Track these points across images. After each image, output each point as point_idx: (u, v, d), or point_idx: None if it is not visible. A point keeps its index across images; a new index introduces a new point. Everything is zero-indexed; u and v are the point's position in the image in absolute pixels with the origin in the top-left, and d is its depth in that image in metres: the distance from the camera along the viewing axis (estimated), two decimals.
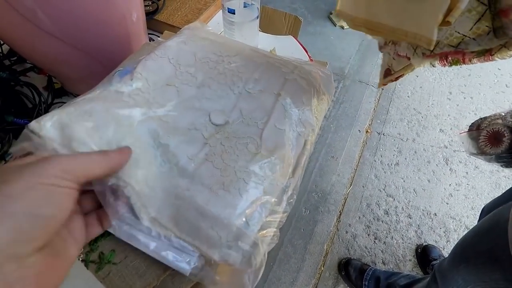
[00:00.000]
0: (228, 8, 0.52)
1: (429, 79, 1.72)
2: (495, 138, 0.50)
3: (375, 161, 1.40)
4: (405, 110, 1.58)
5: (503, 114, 0.51)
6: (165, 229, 0.25)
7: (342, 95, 1.60)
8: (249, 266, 0.24)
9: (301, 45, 0.63)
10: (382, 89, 1.66)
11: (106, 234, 0.26)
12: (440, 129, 1.51)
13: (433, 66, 0.32)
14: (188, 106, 0.32)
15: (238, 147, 0.30)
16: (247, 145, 0.30)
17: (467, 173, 1.37)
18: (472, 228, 0.56)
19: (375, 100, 1.61)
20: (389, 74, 0.41)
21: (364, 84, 1.65)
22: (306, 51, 0.62)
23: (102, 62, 0.50)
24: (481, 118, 0.54)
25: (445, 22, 0.26)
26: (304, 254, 1.15)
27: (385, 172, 1.37)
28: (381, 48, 0.39)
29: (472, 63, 0.28)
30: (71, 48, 0.45)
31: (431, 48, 0.28)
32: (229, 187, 0.27)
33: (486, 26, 0.26)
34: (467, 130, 0.56)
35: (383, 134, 1.49)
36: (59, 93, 0.54)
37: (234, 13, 0.52)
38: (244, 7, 0.53)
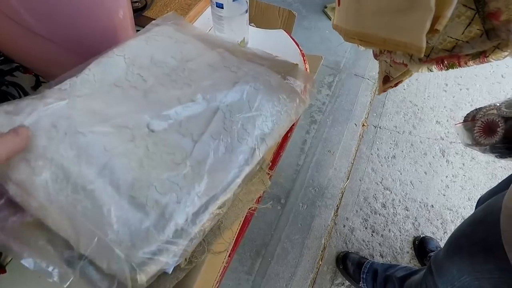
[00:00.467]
0: (216, 2, 0.51)
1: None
2: (489, 128, 0.50)
3: (371, 154, 1.40)
4: (401, 103, 1.58)
5: (497, 104, 0.50)
6: (53, 219, 0.24)
7: (338, 89, 1.59)
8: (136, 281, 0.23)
9: (292, 39, 0.62)
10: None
11: None
12: (437, 121, 1.51)
13: (431, 71, 0.32)
14: (129, 110, 0.31)
15: (162, 155, 0.28)
16: (174, 154, 0.28)
17: (463, 164, 1.37)
18: (466, 219, 0.56)
19: (371, 94, 1.60)
20: (388, 81, 0.40)
21: (360, 78, 1.64)
22: (298, 45, 0.61)
23: (86, 58, 0.49)
24: (476, 109, 0.54)
25: (434, 30, 0.26)
26: (302, 249, 1.15)
27: (382, 165, 1.37)
28: (376, 56, 0.39)
29: (468, 66, 0.28)
30: (57, 46, 0.44)
31: (421, 56, 0.28)
32: (137, 192, 0.25)
33: (478, 29, 0.26)
34: (462, 121, 0.56)
35: (380, 127, 1.49)
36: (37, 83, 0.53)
37: (222, 7, 0.51)
38: (233, 1, 0.52)
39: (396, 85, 0.38)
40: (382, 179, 1.33)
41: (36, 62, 0.48)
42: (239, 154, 0.30)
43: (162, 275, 0.25)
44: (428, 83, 1.65)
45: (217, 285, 0.37)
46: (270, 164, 0.45)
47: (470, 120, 0.52)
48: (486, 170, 1.36)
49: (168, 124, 0.31)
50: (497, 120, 0.47)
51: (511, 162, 1.22)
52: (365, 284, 1.03)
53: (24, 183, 0.25)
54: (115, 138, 0.28)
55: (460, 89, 1.63)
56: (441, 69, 0.31)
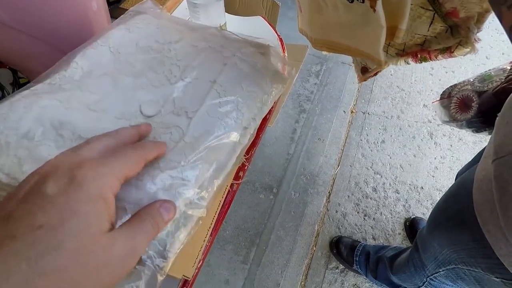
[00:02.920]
0: None
1: None
2: (464, 104, 0.51)
3: (361, 140, 1.41)
4: (389, 88, 1.59)
5: (471, 80, 0.52)
6: None
7: (326, 78, 1.60)
8: (166, 260, 0.24)
9: (270, 24, 0.62)
10: None
11: None
12: (424, 105, 1.52)
13: (408, 64, 0.33)
14: (122, 96, 0.32)
15: (161, 137, 0.29)
16: (171, 134, 0.29)
17: (451, 145, 1.40)
18: (443, 195, 0.57)
19: None
20: (366, 71, 0.41)
21: (347, 65, 1.65)
22: (275, 30, 0.62)
23: (66, 53, 0.49)
24: (451, 86, 0.55)
25: (395, 38, 0.27)
26: (295, 236, 1.17)
27: (371, 150, 1.38)
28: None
29: (438, 59, 0.30)
30: (30, 38, 0.44)
31: (382, 68, 0.30)
32: (142, 175, 0.26)
33: (441, 26, 0.27)
34: (439, 98, 0.57)
35: (368, 113, 1.50)
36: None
37: None
38: None
39: (375, 74, 0.40)
40: (372, 163, 1.35)
41: (10, 55, 0.48)
42: (233, 131, 0.31)
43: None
44: (414, 68, 1.67)
45: (199, 263, 0.38)
46: (248, 147, 0.46)
47: (446, 97, 0.53)
48: (473, 150, 1.38)
49: (162, 106, 0.31)
50: (471, 95, 0.48)
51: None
52: (358, 266, 1.05)
53: None
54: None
55: (446, 72, 1.65)
56: (416, 61, 0.32)
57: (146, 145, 0.26)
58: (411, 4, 0.25)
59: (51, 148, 0.27)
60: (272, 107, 0.51)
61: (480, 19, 0.25)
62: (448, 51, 0.29)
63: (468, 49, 0.28)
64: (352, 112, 1.51)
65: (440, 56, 0.30)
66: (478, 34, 0.26)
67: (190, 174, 0.27)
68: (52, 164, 0.20)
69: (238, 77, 0.35)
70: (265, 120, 0.50)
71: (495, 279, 0.41)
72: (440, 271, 0.55)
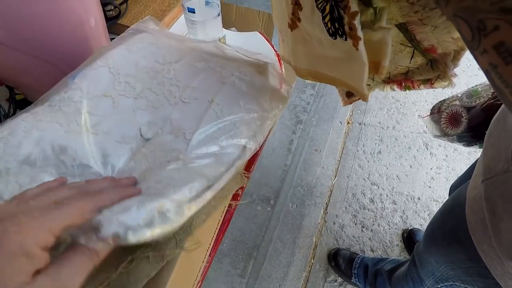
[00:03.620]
0: (188, 7, 0.52)
1: None
2: (454, 119, 0.52)
3: (357, 151, 1.42)
4: (384, 99, 1.61)
5: (459, 95, 0.53)
6: None
7: (322, 89, 1.62)
8: None
9: (267, 40, 0.63)
10: None
11: None
12: (419, 115, 1.54)
13: (393, 90, 0.35)
14: (121, 118, 0.32)
15: (159, 161, 0.29)
16: (169, 156, 0.29)
17: (446, 156, 1.41)
18: (439, 210, 0.58)
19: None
20: (352, 95, 0.42)
21: None
22: (273, 46, 0.63)
23: (63, 70, 0.49)
24: (440, 101, 0.56)
25: (379, 73, 0.28)
26: (293, 249, 1.16)
27: (368, 161, 1.39)
28: None
29: (421, 89, 0.31)
30: (26, 55, 0.44)
31: (366, 101, 0.31)
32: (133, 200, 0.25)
33: (421, 59, 0.29)
34: (429, 113, 0.57)
35: (364, 124, 1.51)
36: (22, 104, 0.53)
37: (194, 12, 0.52)
38: (205, 5, 0.53)
39: (359, 98, 0.40)
40: (369, 174, 1.35)
41: (6, 72, 0.48)
42: (231, 150, 0.31)
43: (133, 272, 0.25)
44: None
45: (198, 284, 0.38)
46: (248, 162, 0.46)
47: (436, 112, 0.54)
48: (468, 161, 1.39)
49: (160, 128, 0.31)
50: (460, 111, 0.49)
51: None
52: (357, 279, 1.04)
53: None
54: (118, 161, 0.29)
55: None
56: (401, 89, 0.33)
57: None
58: (392, 41, 0.26)
59: (52, 175, 0.27)
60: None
61: (456, 56, 0.26)
62: (429, 82, 0.31)
63: (446, 83, 0.29)
64: (348, 123, 1.52)
65: (422, 86, 0.31)
66: (455, 70, 0.28)
67: (180, 189, 0.27)
68: None
69: (236, 95, 0.35)
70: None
71: None
72: (438, 287, 0.55)
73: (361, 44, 0.24)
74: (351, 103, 0.40)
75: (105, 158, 0.29)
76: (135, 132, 0.31)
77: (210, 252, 0.39)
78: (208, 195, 0.27)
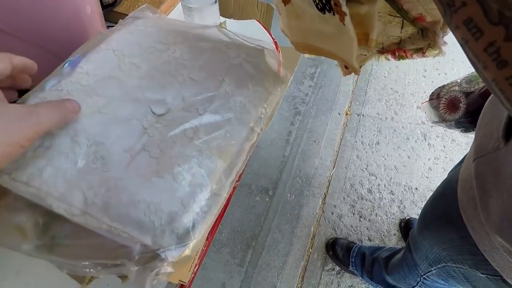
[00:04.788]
0: None
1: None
2: (453, 104, 0.52)
3: (356, 142, 1.43)
4: (383, 90, 1.61)
5: (458, 81, 0.53)
6: (96, 220, 0.25)
7: (321, 80, 1.61)
8: (184, 248, 0.24)
9: (265, 28, 0.63)
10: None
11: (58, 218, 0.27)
12: (417, 106, 1.54)
13: (388, 60, 0.35)
14: (130, 98, 0.32)
15: (176, 133, 0.30)
16: (185, 130, 0.30)
17: (444, 146, 1.41)
18: (431, 194, 0.58)
19: (353, 83, 1.63)
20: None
21: None
22: (271, 34, 0.62)
23: (60, 57, 0.49)
24: (439, 87, 0.56)
25: (368, 46, 0.28)
26: (292, 238, 1.17)
27: (366, 152, 1.40)
28: None
29: (414, 58, 0.32)
30: (24, 43, 0.44)
31: (358, 74, 0.31)
32: (163, 173, 0.27)
33: (412, 29, 0.29)
34: (428, 99, 0.58)
35: (363, 115, 1.51)
36: (21, 92, 0.53)
37: None
38: None
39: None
40: (367, 165, 1.36)
41: None
42: (243, 128, 0.32)
43: (148, 267, 0.25)
44: (408, 70, 1.69)
45: (196, 267, 0.38)
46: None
47: (435, 98, 0.54)
48: (466, 151, 1.39)
49: (172, 104, 0.32)
50: (459, 96, 0.50)
51: None
52: (354, 268, 1.05)
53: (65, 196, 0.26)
54: (129, 136, 0.29)
55: (439, 74, 1.67)
56: (395, 58, 0.34)
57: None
58: (380, 12, 0.26)
59: (69, 156, 0.27)
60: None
61: (445, 24, 0.27)
62: (420, 51, 0.31)
63: (436, 51, 0.30)
64: (346, 114, 1.52)
65: (415, 55, 0.31)
66: (445, 38, 0.28)
67: (207, 169, 0.28)
68: None
69: (245, 77, 0.36)
70: None
71: (481, 275, 0.41)
72: (432, 270, 0.56)
73: (347, 20, 0.24)
74: (350, 74, 0.41)
75: (118, 135, 0.29)
76: (145, 109, 0.31)
77: (208, 236, 0.39)
78: (229, 180, 0.29)
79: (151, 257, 0.24)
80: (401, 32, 0.29)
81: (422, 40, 0.29)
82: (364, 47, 0.31)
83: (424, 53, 0.30)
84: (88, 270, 0.25)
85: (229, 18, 0.70)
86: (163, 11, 0.66)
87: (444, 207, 0.48)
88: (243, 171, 0.46)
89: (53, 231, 0.26)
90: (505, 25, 0.16)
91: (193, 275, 0.38)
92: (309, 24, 0.31)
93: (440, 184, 0.56)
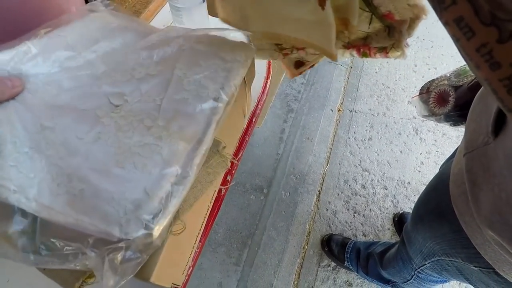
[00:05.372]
0: None
1: None
2: (442, 98, 0.53)
3: (349, 138, 1.43)
4: (374, 86, 1.62)
5: (448, 75, 0.53)
6: (62, 215, 0.24)
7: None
8: (150, 236, 0.24)
9: None
10: (351, 67, 1.69)
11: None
12: (408, 101, 1.55)
13: (353, 56, 0.35)
14: (84, 91, 0.32)
15: (133, 124, 0.29)
16: (142, 120, 0.30)
17: (435, 140, 1.43)
18: (424, 189, 0.59)
19: (344, 79, 1.63)
20: (302, 65, 0.41)
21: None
22: None
23: None
24: (429, 81, 0.56)
25: (349, 31, 0.28)
26: (287, 236, 1.17)
27: (359, 148, 1.40)
28: (285, 55, 0.40)
29: (376, 57, 0.32)
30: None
31: (335, 60, 0.31)
32: (123, 163, 0.27)
33: (379, 25, 0.29)
34: (418, 94, 0.58)
35: (355, 111, 1.52)
36: None
37: None
38: None
39: (311, 67, 0.40)
40: (361, 161, 1.37)
41: None
42: (203, 104, 0.32)
43: (108, 251, 0.25)
44: (398, 65, 1.70)
45: (189, 270, 0.38)
46: (236, 149, 0.46)
47: (425, 92, 0.55)
48: (457, 145, 1.41)
49: (129, 96, 0.32)
50: (448, 90, 0.50)
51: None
52: (349, 263, 1.06)
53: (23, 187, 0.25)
54: (82, 124, 0.29)
55: (429, 69, 1.68)
56: (359, 55, 0.34)
57: None
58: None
59: (17, 144, 0.27)
60: (259, 105, 0.52)
61: (411, 25, 0.27)
62: (384, 51, 0.31)
63: (399, 53, 0.30)
64: (339, 110, 1.52)
65: (378, 55, 0.32)
66: (408, 40, 0.28)
67: (169, 153, 0.28)
68: None
69: (196, 56, 0.36)
70: (251, 122, 0.51)
71: (474, 268, 0.42)
72: (426, 264, 0.57)
73: (327, 4, 0.24)
74: (300, 74, 0.40)
75: (69, 122, 0.29)
76: (101, 100, 0.31)
77: (201, 238, 0.39)
78: (197, 159, 0.28)
79: (107, 240, 0.24)
80: (368, 28, 0.29)
81: (388, 39, 0.29)
82: (336, 40, 0.31)
83: (387, 53, 0.30)
84: (51, 262, 0.24)
85: (217, 17, 0.69)
86: (151, 11, 0.65)
87: (437, 201, 0.48)
88: (235, 170, 0.46)
89: (40, 236, 0.25)
90: (497, 26, 0.16)
91: (186, 277, 0.37)
92: (277, 10, 0.30)
93: (433, 179, 0.57)
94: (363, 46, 0.31)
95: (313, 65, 0.39)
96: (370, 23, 0.28)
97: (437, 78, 0.54)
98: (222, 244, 1.14)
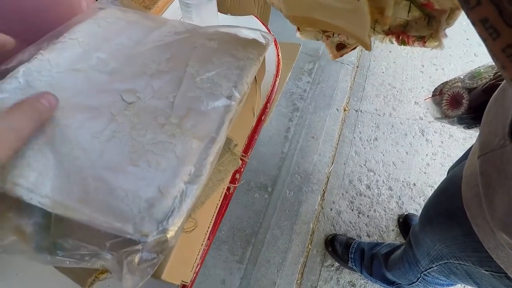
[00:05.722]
0: None
1: (401, 53, 1.75)
2: (455, 100, 0.52)
3: (354, 138, 1.42)
4: (381, 86, 1.60)
5: (461, 77, 0.52)
6: (76, 211, 0.24)
7: (318, 76, 1.61)
8: (165, 233, 0.24)
9: (263, 23, 0.62)
10: (357, 66, 1.67)
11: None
12: (415, 102, 1.54)
13: (392, 43, 0.34)
14: (98, 89, 0.32)
15: (147, 121, 0.29)
16: (156, 118, 0.29)
17: (442, 142, 1.42)
18: (434, 191, 0.58)
19: (351, 78, 1.62)
20: (343, 47, 0.41)
21: (339, 63, 1.66)
22: (269, 30, 0.62)
23: None
24: (442, 83, 0.55)
25: (383, 22, 0.28)
26: (291, 235, 1.17)
27: (364, 148, 1.40)
28: (328, 38, 0.39)
29: (415, 46, 0.31)
30: (18, 40, 0.43)
31: (369, 50, 0.30)
32: (137, 161, 0.26)
33: (419, 14, 0.28)
34: (430, 95, 0.57)
35: (361, 111, 1.51)
36: None
37: None
38: None
39: (352, 50, 0.40)
40: (366, 161, 1.36)
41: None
42: (216, 102, 0.32)
43: (125, 254, 0.25)
44: (405, 65, 1.69)
45: (197, 267, 0.38)
46: (245, 147, 0.46)
47: (438, 94, 0.54)
48: (463, 147, 1.41)
49: (142, 93, 0.32)
50: (461, 92, 0.49)
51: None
52: (353, 264, 1.06)
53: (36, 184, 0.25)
54: (97, 123, 0.29)
55: (436, 70, 1.67)
56: (398, 43, 0.33)
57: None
58: None
59: (32, 141, 0.27)
60: (268, 103, 0.51)
61: (451, 15, 0.26)
62: (422, 40, 0.31)
63: (436, 43, 0.29)
64: (345, 110, 1.52)
65: (416, 43, 0.31)
66: (447, 30, 0.27)
67: (182, 152, 0.27)
68: None
69: (209, 54, 0.35)
70: (260, 120, 0.50)
71: (485, 272, 0.41)
72: (433, 267, 0.56)
73: None
74: (341, 56, 0.40)
75: (84, 120, 0.29)
76: (115, 97, 0.31)
77: (209, 236, 0.39)
78: (210, 158, 0.28)
79: (123, 241, 0.24)
80: (408, 16, 0.29)
81: (427, 28, 0.28)
82: (373, 24, 0.31)
83: (425, 42, 0.29)
84: (67, 262, 0.24)
85: (226, 13, 0.69)
86: (160, 7, 0.65)
87: (448, 203, 0.48)
88: (244, 168, 0.46)
89: (56, 235, 0.25)
90: None
91: (194, 274, 0.37)
92: None
93: (443, 181, 0.56)
94: (402, 33, 0.31)
95: (354, 48, 0.39)
96: (409, 11, 0.28)
97: (450, 80, 0.54)
98: (226, 241, 1.14)
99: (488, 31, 0.17)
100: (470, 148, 0.61)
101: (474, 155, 0.39)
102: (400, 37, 0.32)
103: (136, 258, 0.23)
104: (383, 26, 0.29)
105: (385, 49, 1.76)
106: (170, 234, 0.24)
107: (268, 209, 1.22)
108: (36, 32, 0.44)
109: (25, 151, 0.26)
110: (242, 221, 1.19)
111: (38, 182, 0.25)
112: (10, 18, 0.40)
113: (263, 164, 1.32)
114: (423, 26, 0.28)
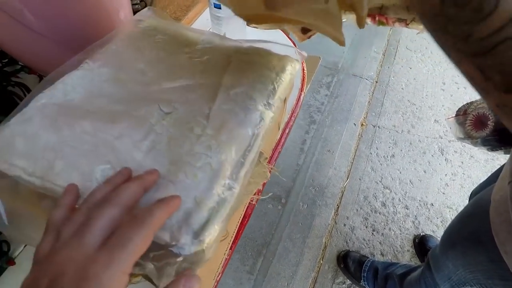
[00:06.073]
0: (214, 3, 0.53)
1: (422, 70, 1.73)
2: (480, 121, 0.51)
3: (371, 153, 1.41)
4: (400, 102, 1.59)
5: None
6: None
7: (337, 89, 1.61)
8: (201, 245, 0.24)
9: (290, 38, 0.63)
10: (376, 81, 1.66)
11: None
12: (435, 120, 1.52)
13: (367, 24, 0.33)
14: (137, 98, 0.33)
15: (184, 132, 0.30)
16: (192, 129, 0.30)
17: (462, 162, 1.38)
18: (458, 214, 0.57)
19: (369, 93, 1.62)
20: (309, 30, 0.40)
21: (358, 78, 1.66)
22: (295, 44, 0.63)
23: None
24: (467, 103, 0.55)
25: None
26: (303, 248, 1.16)
27: (381, 164, 1.38)
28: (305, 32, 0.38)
29: (395, 26, 0.31)
30: (60, 47, 0.45)
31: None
32: (176, 172, 0.27)
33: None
34: (454, 115, 0.57)
35: (378, 126, 1.50)
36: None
37: (220, 8, 0.53)
38: None
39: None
40: (382, 178, 1.34)
41: (40, 63, 0.49)
42: (251, 116, 0.32)
43: (166, 264, 0.25)
44: (426, 82, 1.67)
45: (219, 276, 0.38)
46: (269, 159, 0.46)
47: (462, 114, 0.53)
48: (485, 168, 1.37)
49: (177, 103, 0.33)
50: (487, 114, 0.49)
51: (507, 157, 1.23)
52: (366, 283, 1.03)
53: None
54: (137, 130, 0.30)
55: (458, 88, 1.64)
56: (374, 23, 0.32)
57: (153, 214, 0.22)
58: None
59: (77, 148, 0.28)
60: (292, 116, 0.52)
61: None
62: (404, 21, 0.30)
63: (421, 27, 0.28)
64: (362, 125, 1.50)
65: (397, 24, 0.30)
66: (437, 58, 0.27)
67: (217, 163, 0.28)
68: (58, 263, 0.19)
69: (243, 68, 0.36)
70: (284, 133, 0.51)
71: None
72: None
73: None
74: (309, 38, 0.38)
75: (124, 128, 0.30)
76: (153, 107, 0.32)
77: (231, 245, 0.39)
78: (243, 170, 0.29)
79: (164, 254, 0.24)
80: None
81: (407, 13, 0.28)
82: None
83: (407, 24, 0.29)
84: None
85: (256, 27, 0.70)
86: (190, 18, 0.67)
87: (473, 228, 0.46)
88: (264, 185, 0.46)
89: None
90: None
91: (215, 283, 0.38)
92: None
93: (468, 204, 0.55)
94: (379, 15, 0.30)
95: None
96: None
97: (476, 101, 0.53)
98: (237, 251, 1.14)
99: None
100: (496, 171, 0.60)
101: (504, 180, 0.38)
102: (377, 18, 0.31)
103: (175, 268, 0.23)
104: (359, 26, 0.27)
105: (405, 66, 1.75)
106: (207, 247, 0.24)
107: (281, 221, 1.21)
108: (76, 39, 0.47)
109: (69, 155, 0.28)
110: (254, 231, 1.18)
111: (82, 187, 0.26)
112: (57, 27, 0.43)
113: (278, 175, 1.32)
114: (402, 10, 0.28)
